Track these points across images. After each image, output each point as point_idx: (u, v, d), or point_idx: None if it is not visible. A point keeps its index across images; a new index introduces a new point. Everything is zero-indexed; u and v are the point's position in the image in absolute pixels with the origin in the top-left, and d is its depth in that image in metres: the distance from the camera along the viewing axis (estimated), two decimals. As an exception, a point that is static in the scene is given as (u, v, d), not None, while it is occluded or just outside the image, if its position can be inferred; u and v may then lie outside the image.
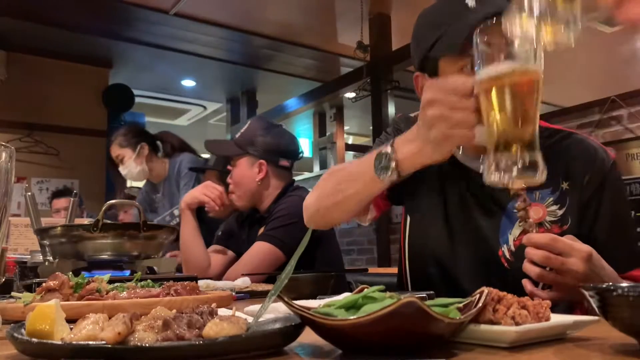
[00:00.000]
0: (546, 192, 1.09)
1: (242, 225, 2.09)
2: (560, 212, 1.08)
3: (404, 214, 1.27)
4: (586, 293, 0.55)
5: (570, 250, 0.84)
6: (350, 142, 7.19)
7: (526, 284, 0.89)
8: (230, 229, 2.15)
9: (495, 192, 1.09)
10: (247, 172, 1.93)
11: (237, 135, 2.00)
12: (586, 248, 0.85)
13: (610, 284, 0.54)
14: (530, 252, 0.85)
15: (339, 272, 1.59)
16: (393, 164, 0.94)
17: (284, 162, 1.98)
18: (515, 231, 1.10)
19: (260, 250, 1.79)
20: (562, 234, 1.03)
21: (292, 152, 1.99)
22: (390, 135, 1.28)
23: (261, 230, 1.89)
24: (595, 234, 1.07)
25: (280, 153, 1.96)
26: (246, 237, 2.02)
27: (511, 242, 1.10)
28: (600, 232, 1.07)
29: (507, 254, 1.10)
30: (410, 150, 0.93)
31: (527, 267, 0.87)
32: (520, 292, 0.73)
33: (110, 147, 2.81)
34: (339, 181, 1.12)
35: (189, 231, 1.88)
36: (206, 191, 1.90)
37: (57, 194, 4.07)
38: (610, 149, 1.16)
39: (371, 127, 5.48)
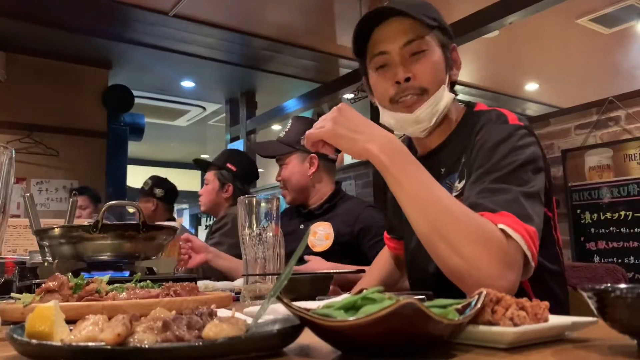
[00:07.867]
0: (454, 175, 1.10)
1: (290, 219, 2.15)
2: (460, 186, 1.06)
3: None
4: (584, 294, 0.56)
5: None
6: (349, 143, 7.18)
7: None
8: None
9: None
10: (298, 168, 2.03)
11: (280, 136, 2.08)
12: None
13: (609, 285, 0.54)
14: None
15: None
16: None
17: (332, 155, 2.07)
18: None
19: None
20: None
21: None
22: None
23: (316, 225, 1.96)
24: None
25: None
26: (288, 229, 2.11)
27: None
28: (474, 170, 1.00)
29: None
30: None
31: None
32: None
33: None
34: None
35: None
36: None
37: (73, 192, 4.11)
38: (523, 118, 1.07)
39: (370, 128, 5.47)
